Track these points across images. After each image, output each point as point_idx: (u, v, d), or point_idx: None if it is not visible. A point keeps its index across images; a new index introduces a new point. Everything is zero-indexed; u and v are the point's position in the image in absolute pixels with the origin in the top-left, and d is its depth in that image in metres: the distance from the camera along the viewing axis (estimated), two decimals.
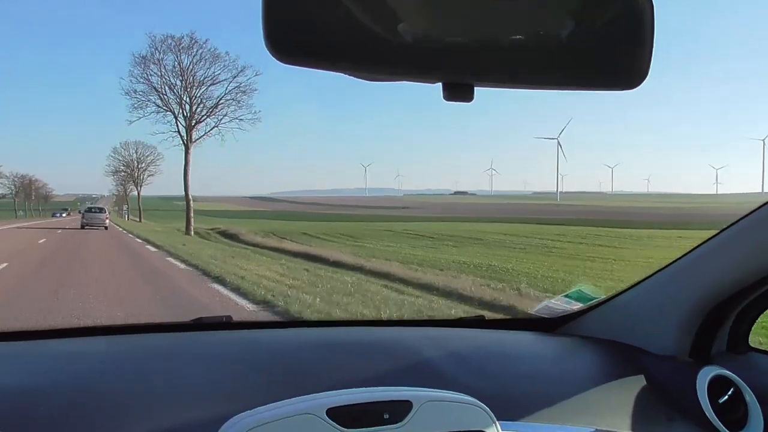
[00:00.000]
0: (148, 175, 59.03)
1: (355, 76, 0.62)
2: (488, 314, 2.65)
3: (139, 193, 60.99)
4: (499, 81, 0.65)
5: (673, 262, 1.28)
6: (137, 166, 58.23)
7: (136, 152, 57.51)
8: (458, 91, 0.64)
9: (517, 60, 0.64)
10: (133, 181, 59.65)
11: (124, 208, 48.21)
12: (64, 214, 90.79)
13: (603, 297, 1.47)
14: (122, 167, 59.40)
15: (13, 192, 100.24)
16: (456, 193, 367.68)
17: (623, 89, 0.67)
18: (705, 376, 1.17)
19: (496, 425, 0.86)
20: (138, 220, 61.35)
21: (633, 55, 0.65)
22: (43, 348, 1.20)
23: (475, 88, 0.63)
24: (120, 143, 74.61)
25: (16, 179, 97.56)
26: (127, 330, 1.37)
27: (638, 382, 1.20)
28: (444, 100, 0.64)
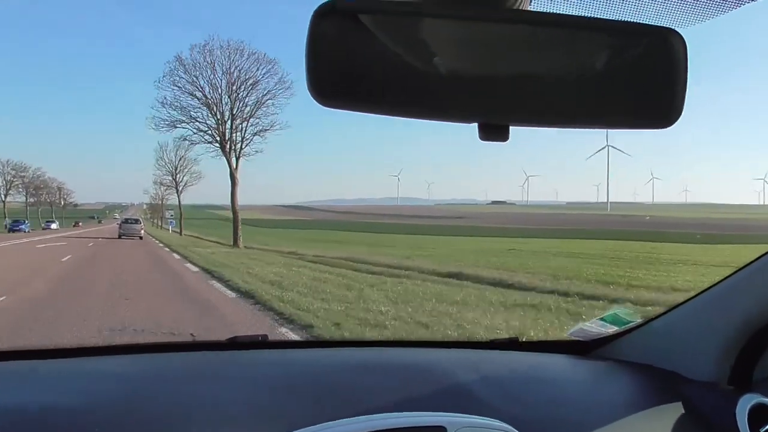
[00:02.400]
0: (188, 183, 55.53)
1: (393, 116, 0.64)
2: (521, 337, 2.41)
3: (180, 202, 57.48)
4: (534, 121, 0.66)
5: (714, 285, 1.25)
6: (177, 169, 54.39)
7: (175, 154, 53.37)
8: (494, 132, 0.65)
9: (552, 100, 0.65)
10: (175, 186, 56.51)
11: (169, 216, 46.88)
12: (80, 223, 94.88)
13: (639, 320, 1.44)
14: (165, 175, 56.36)
15: (46, 200, 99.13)
16: (493, 202, 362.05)
17: (658, 127, 0.68)
18: (746, 404, 1.14)
19: None
20: (178, 232, 58.14)
21: (667, 94, 0.66)
22: (82, 366, 1.23)
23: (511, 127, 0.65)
24: (159, 143, 75.34)
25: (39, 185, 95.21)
26: (164, 348, 1.39)
27: (676, 409, 1.17)
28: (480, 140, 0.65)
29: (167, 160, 52.41)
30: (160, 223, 78.55)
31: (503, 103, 0.64)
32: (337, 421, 0.83)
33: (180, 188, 53.62)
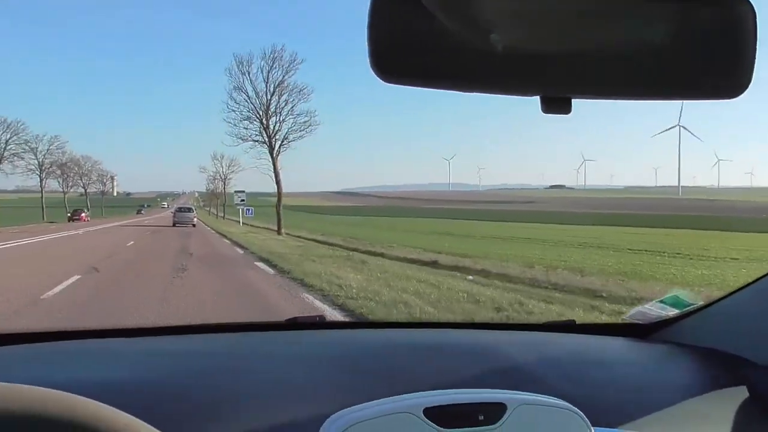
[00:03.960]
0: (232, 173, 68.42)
1: (454, 90, 0.65)
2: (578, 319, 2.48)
3: (224, 192, 71.94)
4: (597, 93, 0.66)
5: None
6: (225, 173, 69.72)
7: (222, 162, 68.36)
8: (556, 104, 0.65)
9: (615, 71, 0.64)
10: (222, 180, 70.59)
11: (240, 200, 42.29)
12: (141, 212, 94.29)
13: (701, 303, 1.43)
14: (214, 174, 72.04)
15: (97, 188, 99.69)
16: (551, 187, 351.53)
17: (725, 98, 0.67)
18: None
19: (591, 431, 0.86)
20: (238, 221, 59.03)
21: (734, 63, 0.64)
22: (153, 345, 1.31)
23: (573, 100, 0.65)
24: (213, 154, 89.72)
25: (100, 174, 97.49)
26: (225, 329, 1.46)
27: (739, 393, 1.16)
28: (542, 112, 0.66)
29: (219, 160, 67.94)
30: (219, 213, 77.23)
31: (565, 75, 0.64)
32: (396, 396, 0.84)
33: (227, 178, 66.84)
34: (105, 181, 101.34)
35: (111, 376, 1.04)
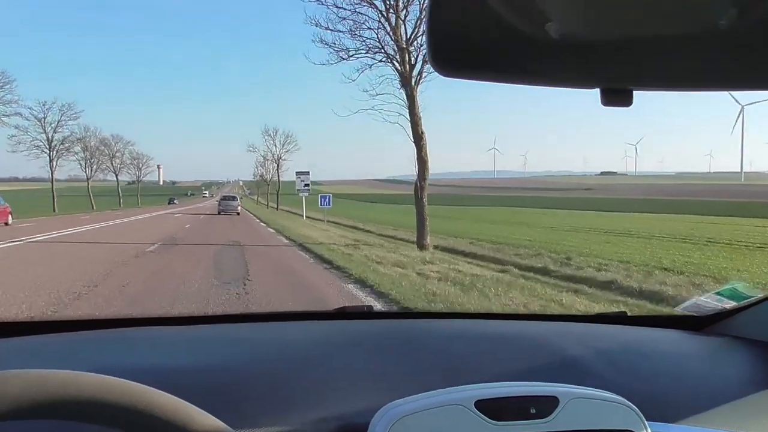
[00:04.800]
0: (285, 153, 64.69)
1: (513, 84, 0.65)
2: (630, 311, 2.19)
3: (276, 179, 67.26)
4: (661, 84, 0.64)
5: None
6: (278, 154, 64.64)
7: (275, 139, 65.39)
8: (617, 96, 0.63)
9: (677, 61, 0.62)
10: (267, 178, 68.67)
11: (303, 186, 32.78)
12: (175, 201, 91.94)
13: (760, 296, 1.39)
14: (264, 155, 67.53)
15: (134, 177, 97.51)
16: (602, 173, 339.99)
17: None
18: None
19: (645, 426, 0.86)
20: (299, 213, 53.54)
21: None
22: (209, 332, 1.34)
23: (635, 91, 0.63)
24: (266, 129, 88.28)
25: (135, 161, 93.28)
26: (275, 317, 1.50)
27: None
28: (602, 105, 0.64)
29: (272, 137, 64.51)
30: (271, 202, 71.12)
31: (626, 66, 0.61)
32: (447, 388, 0.84)
33: (279, 165, 63.44)
34: (141, 165, 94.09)
35: (169, 363, 1.07)
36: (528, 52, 0.60)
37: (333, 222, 31.23)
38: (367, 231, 27.06)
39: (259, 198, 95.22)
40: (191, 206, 72.36)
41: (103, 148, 78.64)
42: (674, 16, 0.57)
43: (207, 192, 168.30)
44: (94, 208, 63.86)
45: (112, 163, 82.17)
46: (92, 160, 74.89)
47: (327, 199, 27.88)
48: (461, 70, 0.61)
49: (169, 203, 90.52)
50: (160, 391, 0.64)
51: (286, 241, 19.23)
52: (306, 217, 34.69)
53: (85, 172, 73.78)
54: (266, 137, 70.11)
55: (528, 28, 0.58)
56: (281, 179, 65.79)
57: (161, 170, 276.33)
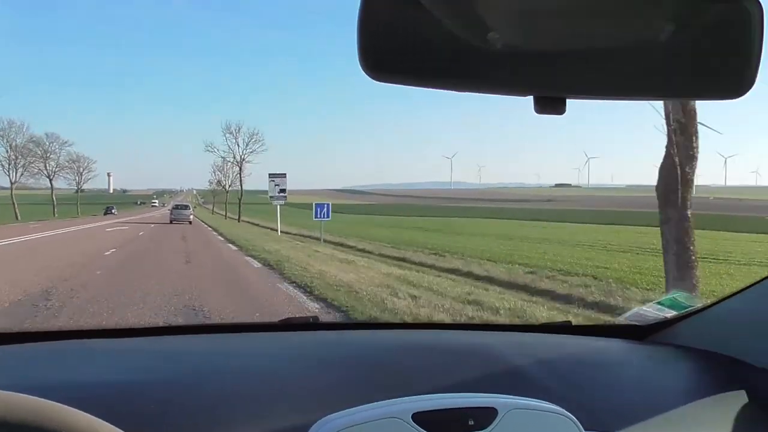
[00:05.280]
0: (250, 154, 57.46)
1: (444, 90, 0.64)
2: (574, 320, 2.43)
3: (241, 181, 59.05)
4: (593, 93, 0.65)
5: None
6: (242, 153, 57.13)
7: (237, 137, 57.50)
8: (550, 104, 0.63)
9: (612, 70, 0.63)
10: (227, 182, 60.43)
11: (277, 190, 27.26)
12: (113, 211, 73.42)
13: (699, 305, 1.42)
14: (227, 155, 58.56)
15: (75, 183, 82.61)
16: (557, 185, 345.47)
17: (727, 98, 0.65)
18: None
19: None
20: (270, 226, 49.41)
21: (738, 62, 0.62)
22: (147, 345, 1.31)
23: (568, 100, 0.64)
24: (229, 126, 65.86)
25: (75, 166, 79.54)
26: (218, 329, 1.48)
27: (738, 397, 1.14)
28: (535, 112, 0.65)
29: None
30: (231, 212, 61.79)
31: (560, 75, 0.62)
32: (384, 401, 0.84)
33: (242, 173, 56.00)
34: (81, 169, 78.42)
35: (99, 378, 1.04)
36: (464, 58, 0.59)
37: (333, 242, 22.02)
38: (419, 264, 15.74)
39: (215, 208, 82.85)
40: (137, 216, 60.40)
41: (32, 147, 66.45)
42: (606, 29, 0.59)
43: (156, 201, 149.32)
44: (19, 218, 54.91)
45: (45, 166, 68.73)
46: (18, 162, 63.52)
47: (325, 210, 19.96)
48: (394, 73, 0.60)
49: (105, 213, 69.40)
50: (75, 410, 0.61)
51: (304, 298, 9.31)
52: (281, 232, 27.06)
53: (8, 175, 63.20)
54: (227, 135, 60.11)
55: (468, 35, 0.58)
56: (244, 186, 58.26)
57: (111, 178, 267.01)
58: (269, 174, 27.41)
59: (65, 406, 0.61)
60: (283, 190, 26.84)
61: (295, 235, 27.11)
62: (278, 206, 27.11)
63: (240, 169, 57.58)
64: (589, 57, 0.61)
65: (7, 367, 1.09)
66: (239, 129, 58.96)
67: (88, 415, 0.61)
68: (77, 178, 78.99)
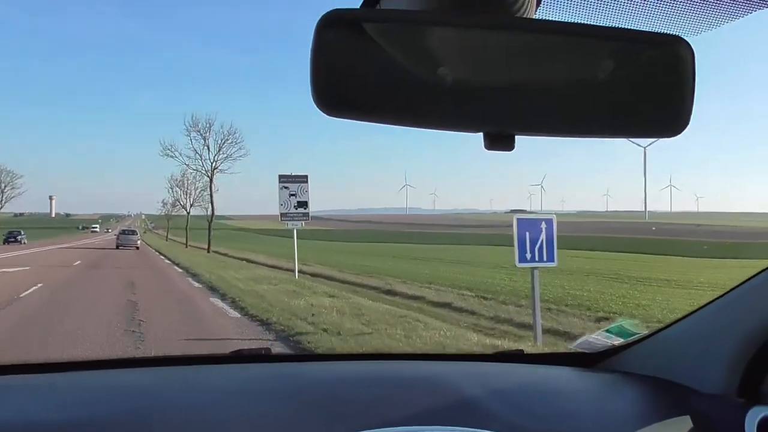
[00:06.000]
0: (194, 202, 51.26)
1: (396, 125, 0.65)
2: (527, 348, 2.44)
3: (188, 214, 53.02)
4: (540, 130, 0.67)
5: (722, 295, 1.26)
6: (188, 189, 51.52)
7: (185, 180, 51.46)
8: (499, 141, 0.65)
9: (558, 109, 0.66)
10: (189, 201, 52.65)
11: (293, 205, 16.15)
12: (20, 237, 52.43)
13: (645, 332, 1.45)
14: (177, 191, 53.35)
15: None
16: (512, 211, 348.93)
17: (664, 137, 0.69)
18: (755, 416, 1.11)
19: None
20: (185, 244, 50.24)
21: (675, 102, 0.66)
22: (94, 380, 1.27)
23: (516, 137, 0.66)
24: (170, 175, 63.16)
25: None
26: (167, 362, 1.44)
27: (683, 422, 1.17)
28: (485, 149, 0.67)
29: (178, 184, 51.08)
30: (188, 238, 53.10)
31: (508, 113, 0.64)
32: None
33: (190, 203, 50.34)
34: (2, 186, 65.53)
35: (35, 417, 1.00)
36: (415, 95, 0.61)
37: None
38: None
39: (168, 234, 74.13)
40: (70, 243, 48.45)
41: None
42: (550, 69, 0.62)
43: (97, 226, 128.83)
44: None
45: None
46: None
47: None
48: (346, 109, 0.60)
49: (6, 241, 49.81)
50: None
51: None
52: (298, 273, 17.08)
53: None
54: (193, 135, 44.20)
55: (419, 71, 0.60)
56: (205, 207, 48.06)
57: (53, 201, 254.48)
58: (279, 176, 16.67)
59: None
60: (303, 204, 16.35)
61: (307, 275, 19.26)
62: (295, 229, 16.51)
63: (211, 181, 44.81)
64: (536, 95, 0.63)
65: None
66: (210, 126, 44.26)
67: None
68: (52, 212, 67.55)
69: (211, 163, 43.83)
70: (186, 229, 52.85)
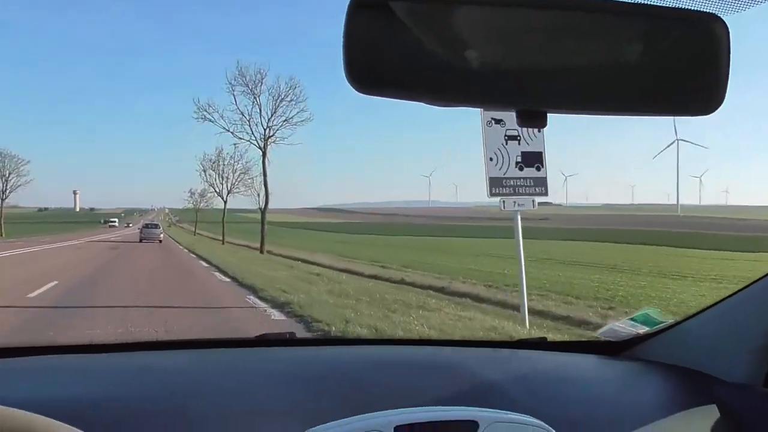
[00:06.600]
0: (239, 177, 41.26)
1: (430, 104, 0.65)
2: (550, 336, 2.42)
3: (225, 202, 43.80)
4: (573, 107, 0.67)
5: (748, 285, 1.25)
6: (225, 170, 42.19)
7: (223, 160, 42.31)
8: (532, 118, 0.66)
9: (590, 86, 0.65)
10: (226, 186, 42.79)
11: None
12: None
13: (671, 321, 1.44)
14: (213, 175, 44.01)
15: None
16: (540, 204, 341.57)
17: (698, 115, 0.68)
18: None
19: None
20: (221, 240, 43.82)
21: (708, 80, 0.66)
22: (125, 361, 1.30)
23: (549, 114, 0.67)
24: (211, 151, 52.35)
25: None
26: (195, 345, 1.45)
27: (710, 411, 1.16)
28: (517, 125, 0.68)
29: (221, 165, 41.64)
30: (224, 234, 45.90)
31: (541, 89, 0.64)
32: (365, 414, 0.85)
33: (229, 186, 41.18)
34: (6, 172, 56.74)
35: (76, 393, 1.04)
36: (447, 72, 0.61)
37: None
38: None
39: (197, 228, 65.92)
40: (76, 241, 39.91)
41: None
42: (582, 46, 0.62)
43: (116, 220, 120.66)
44: None
45: None
46: None
47: None
48: (378, 86, 0.60)
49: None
50: (44, 417, 0.62)
51: None
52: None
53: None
54: (236, 89, 32.77)
55: (448, 53, 0.60)
56: (246, 193, 39.12)
57: (77, 196, 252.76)
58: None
59: (35, 414, 0.61)
60: (534, 160, 7.46)
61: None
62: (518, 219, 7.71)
63: (264, 154, 31.54)
64: (569, 73, 0.63)
65: None
66: (262, 78, 32.30)
67: (57, 421, 0.61)
68: (2, 183, 56.95)
69: (264, 129, 31.51)
70: (222, 222, 44.40)
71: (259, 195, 32.87)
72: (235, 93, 31.56)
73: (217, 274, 16.14)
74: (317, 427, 0.81)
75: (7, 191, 57.01)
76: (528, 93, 0.62)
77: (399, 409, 0.86)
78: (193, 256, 24.78)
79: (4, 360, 1.22)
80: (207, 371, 1.21)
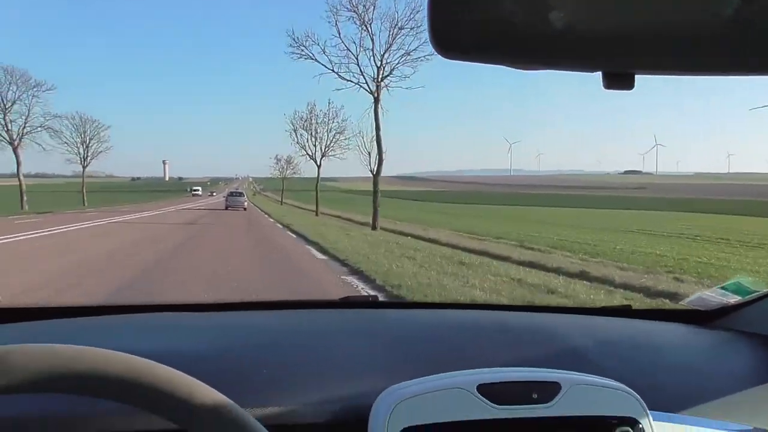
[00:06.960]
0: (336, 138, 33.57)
1: (513, 68, 0.63)
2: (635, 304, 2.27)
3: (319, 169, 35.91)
4: (663, 68, 0.63)
5: None
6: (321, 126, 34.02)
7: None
8: (619, 80, 0.62)
9: (683, 45, 0.60)
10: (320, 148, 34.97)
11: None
12: None
13: (764, 290, 1.38)
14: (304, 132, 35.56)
15: None
16: (626, 172, 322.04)
17: None
18: None
19: (647, 414, 0.86)
20: (313, 211, 38.07)
21: None
22: (217, 320, 1.35)
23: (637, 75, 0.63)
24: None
25: None
26: (284, 306, 1.49)
27: None
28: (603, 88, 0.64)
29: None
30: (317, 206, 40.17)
31: (628, 50, 0.60)
32: (449, 372, 0.86)
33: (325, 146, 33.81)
34: (87, 138, 52.30)
35: (174, 348, 1.09)
36: (528, 35, 0.59)
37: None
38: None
39: (284, 197, 61.76)
40: (155, 212, 37.35)
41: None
42: (673, 3, 0.57)
43: (199, 189, 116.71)
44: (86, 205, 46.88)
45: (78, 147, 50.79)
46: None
47: None
48: (461, 50, 0.60)
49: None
50: (163, 365, 0.64)
51: None
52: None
53: (81, 160, 49.87)
54: (341, 16, 25.95)
55: (529, 15, 0.58)
56: (341, 156, 33.55)
57: (167, 166, 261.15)
58: None
59: (154, 362, 0.62)
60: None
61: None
62: None
63: (376, 100, 24.53)
64: (658, 31, 0.58)
65: (85, 338, 1.13)
66: (373, 6, 25.04)
67: (177, 370, 0.63)
68: (83, 150, 52.01)
69: (378, 68, 24.33)
70: (316, 189, 38.07)
71: (370, 155, 25.29)
72: (338, 21, 24.05)
73: (350, 278, 9.41)
74: (400, 383, 0.84)
75: (88, 158, 52.84)
76: (614, 54, 0.59)
77: (482, 369, 0.87)
78: (292, 235, 19.41)
79: (124, 316, 1.30)
80: (297, 329, 1.24)
